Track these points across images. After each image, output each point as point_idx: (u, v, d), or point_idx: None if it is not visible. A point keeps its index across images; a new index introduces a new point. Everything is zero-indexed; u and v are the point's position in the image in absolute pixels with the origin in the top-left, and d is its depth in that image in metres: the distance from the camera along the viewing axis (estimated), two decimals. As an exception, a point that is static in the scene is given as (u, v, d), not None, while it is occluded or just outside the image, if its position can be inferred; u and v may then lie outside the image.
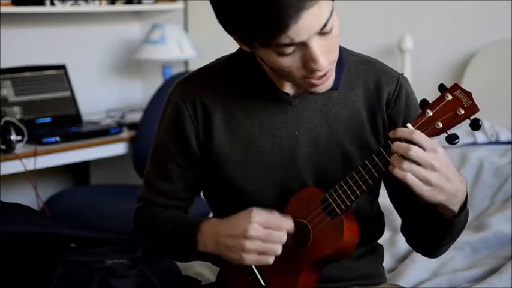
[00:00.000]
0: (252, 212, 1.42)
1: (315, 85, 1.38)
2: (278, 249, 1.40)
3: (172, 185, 1.57)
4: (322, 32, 1.31)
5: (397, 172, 1.30)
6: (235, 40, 1.40)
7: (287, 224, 1.41)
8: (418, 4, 3.36)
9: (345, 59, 1.50)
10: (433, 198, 1.32)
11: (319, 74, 1.35)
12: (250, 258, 1.40)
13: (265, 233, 1.39)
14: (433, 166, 1.30)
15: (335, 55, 1.38)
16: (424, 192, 1.31)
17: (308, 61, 1.33)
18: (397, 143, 1.31)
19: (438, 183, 1.31)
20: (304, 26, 1.28)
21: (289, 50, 1.32)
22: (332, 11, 1.32)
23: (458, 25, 3.32)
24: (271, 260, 1.40)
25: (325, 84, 1.39)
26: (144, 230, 1.61)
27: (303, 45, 1.31)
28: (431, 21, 3.38)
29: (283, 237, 1.40)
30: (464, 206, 1.40)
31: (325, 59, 1.33)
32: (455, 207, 1.38)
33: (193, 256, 1.54)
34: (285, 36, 1.29)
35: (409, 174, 1.29)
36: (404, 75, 1.55)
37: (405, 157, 1.30)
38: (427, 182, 1.30)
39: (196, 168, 1.56)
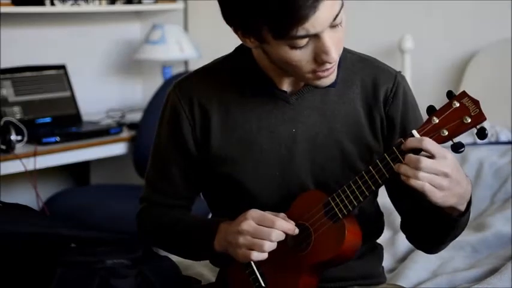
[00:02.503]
0: (251, 209, 1.43)
1: (320, 78, 1.39)
2: (265, 245, 1.39)
3: (173, 185, 1.58)
4: (333, 25, 1.33)
5: (414, 183, 1.30)
6: (239, 34, 1.40)
7: (282, 223, 1.41)
8: (418, 4, 3.36)
9: (342, 57, 1.50)
10: (445, 202, 1.34)
11: (328, 66, 1.36)
12: (239, 253, 1.41)
13: (255, 228, 1.40)
14: (446, 173, 1.31)
15: (342, 48, 1.40)
16: (438, 198, 1.32)
17: (319, 53, 1.34)
18: (408, 156, 1.31)
19: (450, 188, 1.32)
20: (321, 17, 1.30)
21: (303, 42, 1.33)
22: (342, 4, 1.34)
23: (458, 25, 3.32)
24: (255, 256, 1.40)
25: (330, 77, 1.40)
26: (149, 231, 1.62)
27: (316, 38, 1.33)
28: (431, 21, 3.37)
29: (273, 235, 1.39)
30: (469, 205, 1.41)
31: (336, 51, 1.35)
32: (463, 207, 1.39)
33: (206, 256, 1.56)
34: (301, 28, 1.30)
35: (427, 184, 1.30)
36: (403, 74, 1.55)
37: (418, 169, 1.30)
38: (440, 188, 1.31)
39: (195, 167, 1.56)
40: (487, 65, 3.15)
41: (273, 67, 1.46)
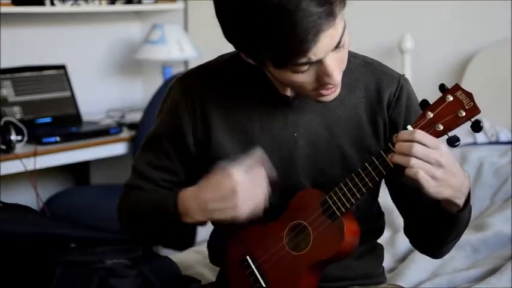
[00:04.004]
0: (231, 172, 1.40)
1: (323, 95, 1.39)
2: (266, 185, 1.41)
3: (163, 175, 1.55)
4: (336, 47, 1.32)
5: (408, 170, 1.30)
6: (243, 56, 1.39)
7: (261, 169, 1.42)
8: (418, 4, 3.36)
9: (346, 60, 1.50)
10: (439, 194, 1.33)
11: (331, 86, 1.36)
12: (244, 210, 1.40)
13: (250, 182, 1.40)
14: (439, 162, 1.30)
15: (345, 65, 1.39)
16: (431, 188, 1.31)
17: (322, 76, 1.34)
18: (398, 143, 1.31)
19: (445, 179, 1.31)
20: (322, 46, 1.29)
21: (305, 67, 1.33)
22: (344, 27, 1.32)
23: (458, 25, 3.32)
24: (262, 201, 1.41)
25: (333, 94, 1.40)
26: (126, 216, 1.59)
27: (318, 62, 1.32)
28: (431, 21, 3.38)
29: (263, 173, 1.41)
30: (468, 201, 1.41)
31: (338, 72, 1.35)
32: (460, 202, 1.38)
33: (178, 231, 1.51)
34: (303, 57, 1.30)
35: (421, 171, 1.30)
36: (405, 75, 1.55)
37: (409, 155, 1.30)
38: (434, 178, 1.31)
39: (191, 164, 1.54)
40: (487, 65, 3.15)
41: None
